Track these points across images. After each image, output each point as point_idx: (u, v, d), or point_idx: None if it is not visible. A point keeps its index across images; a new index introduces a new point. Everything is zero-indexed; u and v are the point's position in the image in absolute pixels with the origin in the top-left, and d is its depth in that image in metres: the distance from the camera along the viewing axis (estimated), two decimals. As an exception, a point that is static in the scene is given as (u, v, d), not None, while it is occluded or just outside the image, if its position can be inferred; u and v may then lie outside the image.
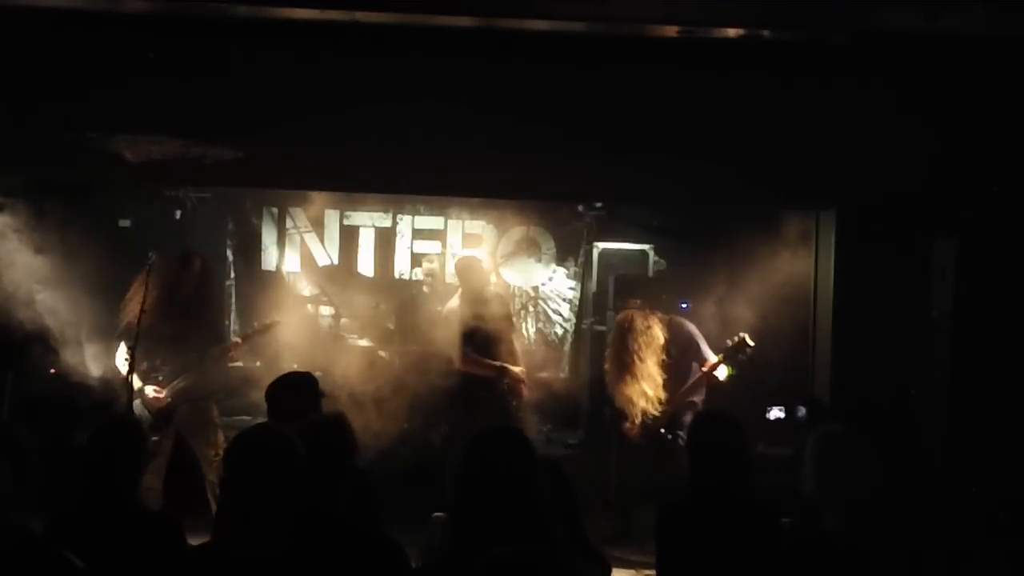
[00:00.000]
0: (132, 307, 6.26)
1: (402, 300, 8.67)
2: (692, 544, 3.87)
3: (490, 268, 8.82)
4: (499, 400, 6.89)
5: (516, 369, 7.01)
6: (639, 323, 6.72)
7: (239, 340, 6.85)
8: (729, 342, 6.63)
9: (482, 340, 6.90)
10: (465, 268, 7.43)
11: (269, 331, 7.04)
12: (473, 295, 7.12)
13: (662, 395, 6.66)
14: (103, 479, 3.71)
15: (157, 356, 6.47)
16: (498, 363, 6.91)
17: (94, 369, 6.73)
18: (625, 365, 6.68)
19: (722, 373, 6.65)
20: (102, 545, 3.40)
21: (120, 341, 6.34)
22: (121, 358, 6.26)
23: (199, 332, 6.56)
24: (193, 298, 6.56)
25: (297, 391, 4.54)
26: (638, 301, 7.70)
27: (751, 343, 6.56)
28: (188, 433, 6.55)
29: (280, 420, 4.15)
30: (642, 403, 6.63)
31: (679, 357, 6.74)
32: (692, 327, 6.84)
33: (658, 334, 6.69)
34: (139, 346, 6.25)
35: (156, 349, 6.45)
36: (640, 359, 6.64)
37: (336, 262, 9.37)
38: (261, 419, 7.38)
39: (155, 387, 6.39)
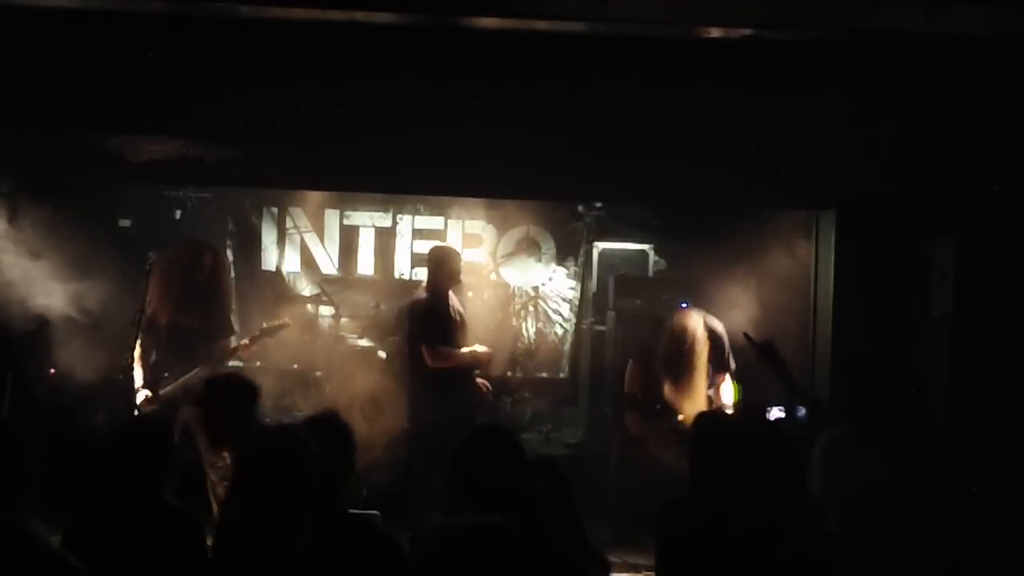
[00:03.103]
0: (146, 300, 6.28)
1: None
2: (692, 544, 3.86)
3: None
4: (473, 391, 6.89)
5: (482, 350, 6.93)
6: (700, 334, 6.50)
7: (247, 342, 6.81)
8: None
9: (449, 331, 6.81)
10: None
11: (278, 332, 7.02)
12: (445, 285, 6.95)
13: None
14: (126, 480, 3.72)
15: (165, 347, 6.46)
16: (468, 350, 6.83)
17: (94, 368, 6.74)
18: (690, 381, 6.48)
19: (729, 398, 6.61)
20: (126, 544, 3.42)
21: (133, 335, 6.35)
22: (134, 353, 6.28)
23: (207, 324, 6.54)
24: (206, 289, 6.55)
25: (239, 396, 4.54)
26: (638, 301, 7.71)
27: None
28: (193, 431, 6.54)
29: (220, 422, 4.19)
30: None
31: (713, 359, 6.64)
32: (723, 330, 6.68)
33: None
34: (148, 338, 6.26)
35: (166, 341, 6.44)
36: (700, 371, 6.48)
37: (336, 263, 9.36)
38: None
39: (147, 392, 6.38)
